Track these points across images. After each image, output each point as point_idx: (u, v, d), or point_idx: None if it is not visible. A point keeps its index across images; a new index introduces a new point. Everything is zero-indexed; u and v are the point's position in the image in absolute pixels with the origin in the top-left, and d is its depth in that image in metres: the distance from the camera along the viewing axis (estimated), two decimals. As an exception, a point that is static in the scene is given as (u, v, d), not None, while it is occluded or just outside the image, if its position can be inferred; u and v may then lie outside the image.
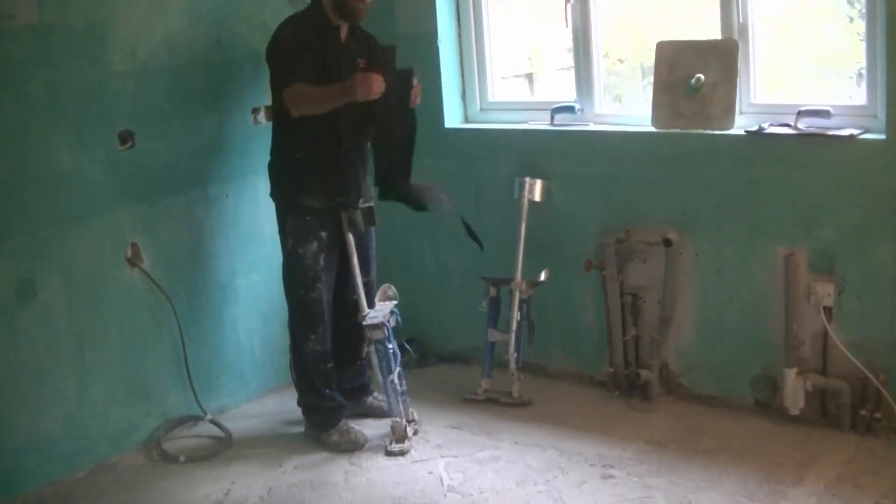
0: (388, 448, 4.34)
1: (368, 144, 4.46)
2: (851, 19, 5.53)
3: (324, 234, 4.35)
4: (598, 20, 4.74)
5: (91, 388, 4.33)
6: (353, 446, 4.41)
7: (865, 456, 3.98)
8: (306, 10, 4.38)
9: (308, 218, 4.33)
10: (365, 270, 4.49)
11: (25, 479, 4.13)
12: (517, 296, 4.70)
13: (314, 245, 4.33)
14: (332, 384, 4.44)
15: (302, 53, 4.21)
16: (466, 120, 5.21)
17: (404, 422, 4.40)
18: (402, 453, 4.31)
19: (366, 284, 4.49)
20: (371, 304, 4.46)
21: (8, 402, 4.07)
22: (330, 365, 4.43)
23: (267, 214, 4.40)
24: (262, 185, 4.52)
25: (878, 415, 4.10)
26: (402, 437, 4.37)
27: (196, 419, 4.71)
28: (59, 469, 4.24)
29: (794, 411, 4.23)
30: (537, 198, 4.72)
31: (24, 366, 4.11)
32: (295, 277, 4.38)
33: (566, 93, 5.00)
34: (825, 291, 4.15)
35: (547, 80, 6.29)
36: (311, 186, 4.32)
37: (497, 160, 4.98)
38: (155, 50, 4.46)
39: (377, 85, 4.10)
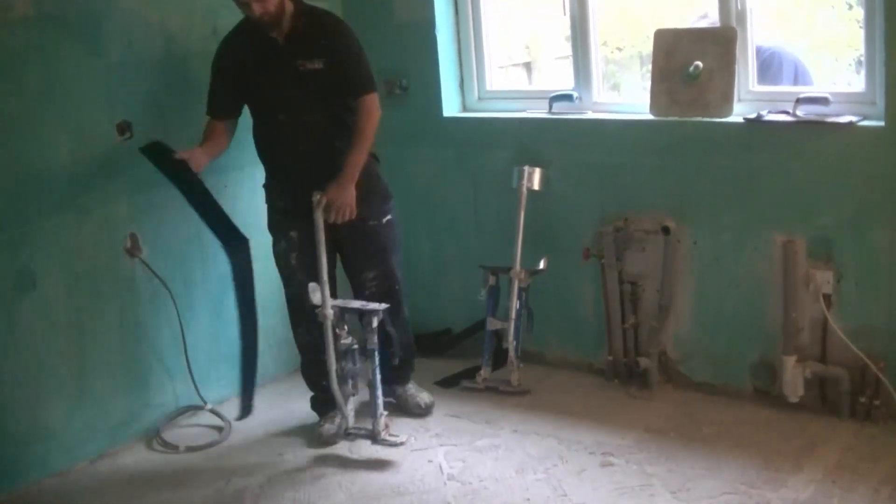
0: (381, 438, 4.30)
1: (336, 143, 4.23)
2: (850, 6, 5.53)
3: (293, 234, 4.30)
4: (595, 8, 4.71)
5: (91, 379, 4.34)
6: (318, 441, 4.37)
7: (864, 443, 3.99)
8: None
9: (277, 217, 4.36)
10: (370, 265, 4.39)
11: (26, 470, 4.14)
12: (516, 284, 4.70)
13: (283, 244, 4.34)
14: (325, 375, 4.29)
15: (218, 76, 4.22)
16: (464, 109, 5.19)
17: (339, 421, 4.34)
18: (395, 444, 4.25)
19: (373, 279, 4.41)
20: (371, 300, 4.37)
21: (8, 393, 4.07)
22: (322, 356, 4.26)
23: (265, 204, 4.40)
24: (260, 175, 4.50)
25: (876, 402, 4.10)
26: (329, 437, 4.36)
27: (196, 409, 4.72)
28: (60, 460, 4.25)
29: (793, 399, 4.24)
30: (536, 186, 4.71)
31: (24, 357, 4.12)
32: (279, 272, 4.43)
33: (564, 81, 4.99)
34: (824, 279, 4.15)
35: (545, 69, 6.30)
36: (275, 186, 4.36)
37: (495, 149, 4.97)
38: (151, 41, 4.45)
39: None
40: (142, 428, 4.55)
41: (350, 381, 4.29)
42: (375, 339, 4.19)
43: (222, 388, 4.84)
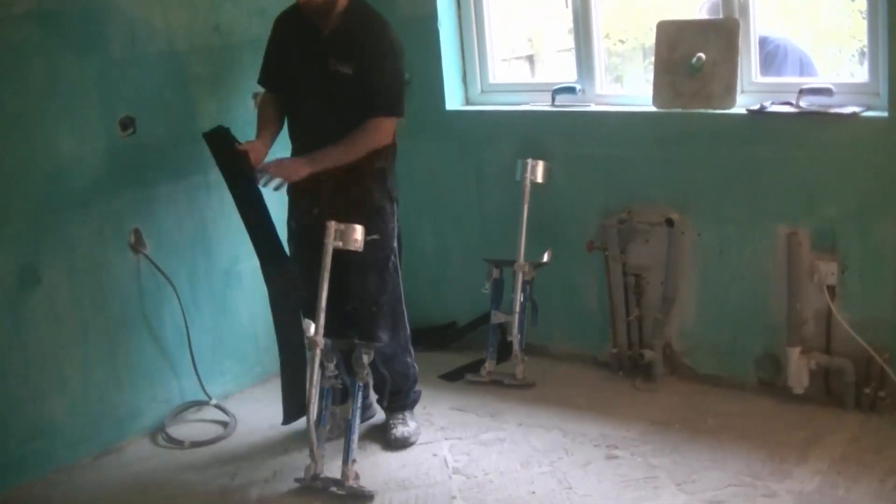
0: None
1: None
2: (853, -2, 5.52)
3: (304, 251, 4.15)
4: (597, 1, 4.70)
5: (95, 374, 4.34)
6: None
7: (869, 434, 3.98)
8: None
9: (292, 234, 4.26)
10: (350, 281, 4.11)
11: (31, 465, 4.15)
12: (520, 277, 4.69)
13: (296, 264, 4.18)
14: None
15: (269, 47, 4.13)
16: (467, 102, 5.19)
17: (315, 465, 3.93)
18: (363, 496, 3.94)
19: (356, 296, 4.15)
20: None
21: (13, 389, 4.08)
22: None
23: (269, 199, 4.38)
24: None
25: (881, 393, 4.10)
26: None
27: (201, 404, 4.72)
28: (65, 455, 4.25)
29: (798, 390, 4.23)
30: (539, 179, 4.70)
31: (29, 352, 4.12)
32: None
33: (567, 74, 4.99)
34: (828, 270, 4.14)
35: (548, 61, 6.30)
36: (291, 203, 4.26)
37: (498, 142, 4.97)
38: (154, 36, 4.45)
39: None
40: (147, 423, 4.56)
41: (329, 423, 4.03)
42: (362, 376, 3.93)
43: (227, 383, 4.85)
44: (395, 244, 4.23)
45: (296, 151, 4.19)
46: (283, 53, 4.11)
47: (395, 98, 4.02)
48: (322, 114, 4.03)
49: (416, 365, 4.40)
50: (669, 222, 4.45)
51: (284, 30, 4.11)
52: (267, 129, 4.14)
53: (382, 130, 4.00)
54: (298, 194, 4.17)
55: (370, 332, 4.14)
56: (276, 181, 4.00)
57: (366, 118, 3.97)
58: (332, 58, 3.94)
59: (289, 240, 4.28)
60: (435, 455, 4.17)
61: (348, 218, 3.92)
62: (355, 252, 3.91)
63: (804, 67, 4.86)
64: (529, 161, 4.70)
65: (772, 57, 4.73)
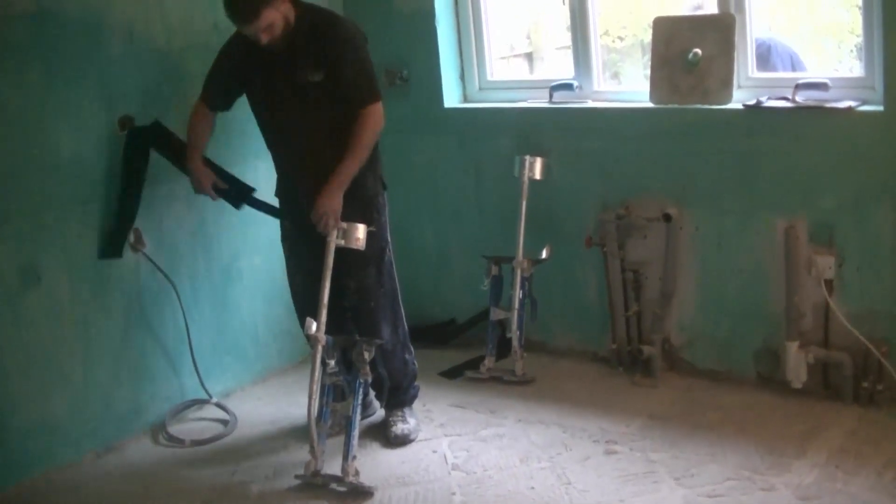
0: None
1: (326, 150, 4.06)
2: (852, -7, 5.52)
3: (300, 251, 4.25)
4: (594, -3, 4.72)
5: (96, 372, 4.36)
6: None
7: (868, 427, 3.99)
8: None
9: (286, 232, 4.33)
10: (347, 273, 4.12)
11: (32, 463, 4.16)
12: (519, 274, 4.71)
13: (292, 262, 4.33)
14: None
15: (220, 66, 4.17)
16: (465, 99, 5.20)
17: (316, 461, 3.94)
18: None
19: (354, 291, 4.18)
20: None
21: (14, 387, 4.09)
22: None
23: (268, 196, 4.40)
24: (263, 167, 4.52)
25: (880, 386, 4.11)
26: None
27: (201, 402, 4.73)
28: (66, 453, 4.26)
29: (797, 384, 4.24)
30: (537, 176, 4.71)
31: (30, 350, 4.13)
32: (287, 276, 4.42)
33: (566, 71, 4.99)
34: (826, 264, 4.15)
35: (547, 59, 6.30)
36: (283, 194, 4.32)
37: (496, 139, 4.98)
38: (152, 35, 4.46)
39: (203, 187, 4.20)
40: (147, 421, 4.57)
41: (329, 420, 4.02)
42: (365, 372, 3.92)
43: (227, 381, 4.87)
44: (388, 237, 4.26)
45: (278, 160, 4.25)
46: (241, 74, 4.12)
47: (371, 84, 4.05)
48: (298, 122, 4.05)
49: (415, 361, 4.42)
50: (667, 217, 4.45)
51: (241, 51, 4.08)
52: (199, 146, 4.24)
53: (375, 116, 4.02)
54: (290, 190, 4.20)
55: (371, 328, 4.17)
56: (323, 223, 3.99)
57: (357, 111, 4.00)
58: (299, 70, 3.97)
59: (283, 240, 4.32)
60: (434, 451, 4.18)
61: (344, 209, 3.96)
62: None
63: (795, 67, 4.88)
64: (527, 158, 4.71)
65: (763, 59, 4.75)
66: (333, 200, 3.96)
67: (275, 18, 3.83)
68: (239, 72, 4.13)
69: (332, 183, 3.96)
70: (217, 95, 4.21)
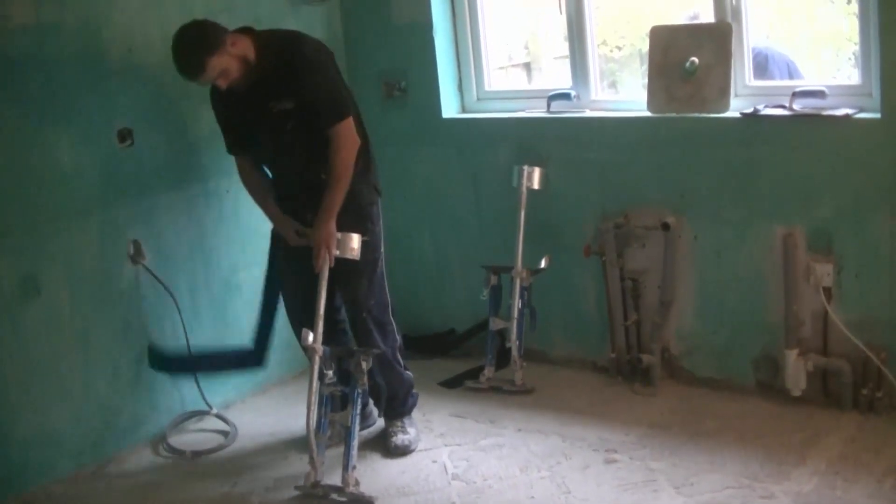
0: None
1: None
2: (849, 0, 5.53)
3: (295, 276, 4.25)
4: (591, 7, 4.72)
5: (96, 384, 4.36)
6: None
7: (867, 434, 4.00)
8: None
9: (282, 254, 4.33)
10: (341, 285, 4.19)
11: (32, 475, 4.16)
12: (518, 283, 4.71)
13: (290, 279, 4.34)
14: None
15: (217, 116, 4.19)
16: (463, 110, 5.21)
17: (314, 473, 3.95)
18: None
19: (349, 302, 4.25)
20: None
21: (14, 398, 4.10)
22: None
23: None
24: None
25: (879, 393, 4.11)
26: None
27: (202, 413, 4.73)
28: (66, 464, 4.27)
29: (796, 392, 4.24)
30: (536, 185, 4.72)
31: (30, 362, 4.14)
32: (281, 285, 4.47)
33: (564, 81, 5.00)
34: (824, 271, 4.15)
35: (545, 68, 6.31)
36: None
37: (495, 149, 4.98)
38: (151, 46, 4.46)
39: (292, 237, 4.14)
40: (148, 432, 4.57)
41: (329, 431, 4.02)
42: (363, 382, 3.92)
43: (227, 392, 4.87)
44: (381, 248, 4.27)
45: (275, 178, 4.26)
46: (231, 119, 4.14)
47: (339, 102, 4.00)
48: (283, 148, 4.06)
49: (408, 370, 4.42)
50: (665, 226, 4.46)
51: (220, 99, 4.09)
52: (267, 198, 4.23)
53: (344, 134, 3.97)
54: (284, 201, 4.21)
55: (363, 338, 4.20)
56: (319, 257, 3.99)
57: (327, 131, 3.96)
58: (270, 101, 3.95)
59: (272, 247, 4.36)
60: (434, 461, 4.18)
61: (338, 220, 3.97)
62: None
63: (792, 75, 4.89)
64: (526, 167, 4.71)
65: (761, 68, 4.77)
66: (324, 231, 3.96)
67: (225, 63, 3.82)
68: (228, 113, 4.14)
69: (321, 216, 3.97)
70: (234, 143, 4.21)
